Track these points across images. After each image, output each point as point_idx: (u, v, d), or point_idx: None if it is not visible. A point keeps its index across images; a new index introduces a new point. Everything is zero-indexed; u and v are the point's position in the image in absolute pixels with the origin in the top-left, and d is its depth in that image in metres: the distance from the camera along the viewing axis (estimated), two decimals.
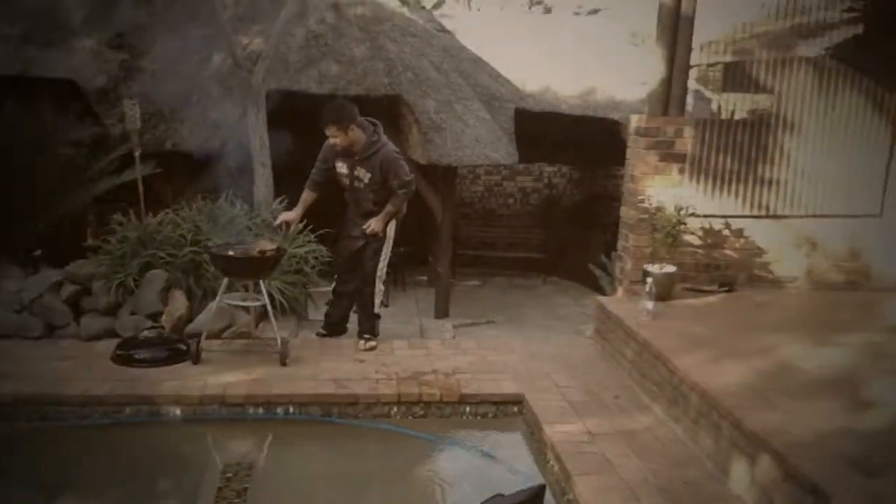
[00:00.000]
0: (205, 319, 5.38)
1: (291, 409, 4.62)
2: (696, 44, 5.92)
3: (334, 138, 5.19)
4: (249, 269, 5.03)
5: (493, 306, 9.88)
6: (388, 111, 8.02)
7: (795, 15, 6.05)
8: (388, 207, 5.36)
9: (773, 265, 6.10)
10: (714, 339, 4.87)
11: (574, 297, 10.47)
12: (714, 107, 7.99)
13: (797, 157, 5.94)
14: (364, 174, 5.31)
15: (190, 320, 5.52)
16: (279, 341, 5.04)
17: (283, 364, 5.03)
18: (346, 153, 5.29)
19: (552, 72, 9.85)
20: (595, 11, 17.50)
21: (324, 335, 5.73)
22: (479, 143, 7.76)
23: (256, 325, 5.70)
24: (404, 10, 8.57)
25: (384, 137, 5.35)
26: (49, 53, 7.23)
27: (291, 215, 5.42)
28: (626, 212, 6.16)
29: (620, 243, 6.29)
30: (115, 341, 5.22)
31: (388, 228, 5.43)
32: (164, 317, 5.50)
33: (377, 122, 5.38)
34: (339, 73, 7.50)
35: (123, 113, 6.30)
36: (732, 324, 5.22)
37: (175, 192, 7.34)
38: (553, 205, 13.00)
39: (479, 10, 21.28)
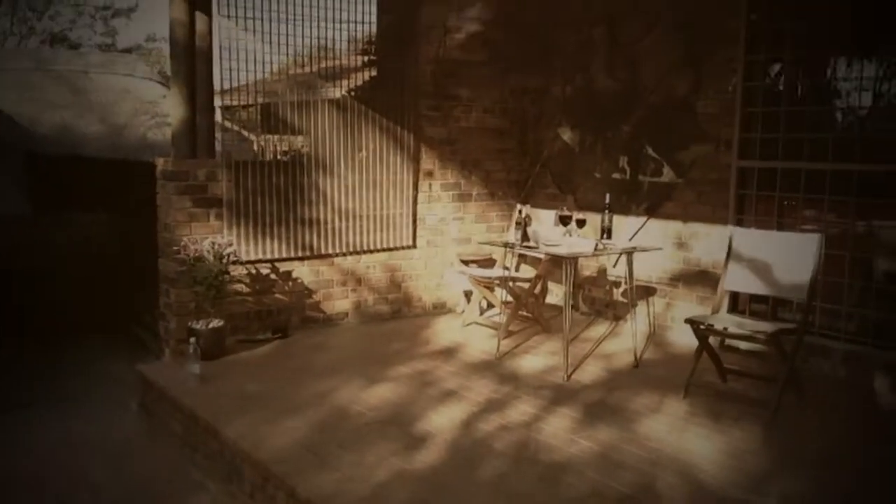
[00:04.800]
0: None
1: None
2: (226, 85, 5.60)
3: None
4: None
5: (32, 380, 8.24)
6: None
7: (322, 59, 6.15)
8: None
9: (323, 304, 6.06)
10: (268, 394, 4.55)
11: (134, 357, 9.33)
12: (256, 148, 7.84)
13: (334, 196, 5.99)
14: None
15: None
16: None
17: None
18: None
19: (73, 112, 8.68)
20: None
21: None
22: None
23: None
24: None
25: None
26: None
27: None
28: (164, 264, 5.55)
29: (162, 300, 5.65)
30: None
31: None
32: None
33: None
34: None
35: None
36: (287, 373, 4.97)
37: None
38: (93, 257, 11.56)
39: None
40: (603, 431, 4.00)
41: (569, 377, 4.85)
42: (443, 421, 4.11)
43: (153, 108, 9.34)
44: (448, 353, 5.47)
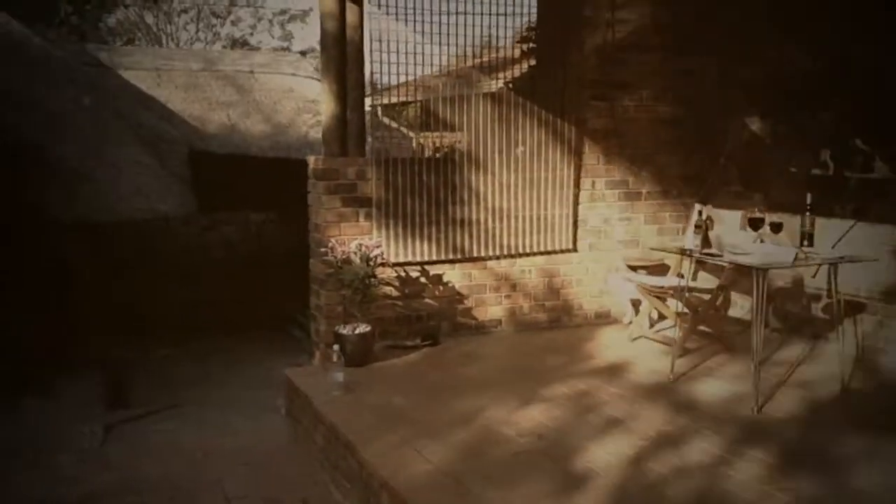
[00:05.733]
0: None
1: None
2: (388, 83, 5.36)
3: None
4: None
5: (189, 380, 8.49)
6: (13, 160, 6.47)
7: (480, 52, 5.77)
8: None
9: (475, 310, 5.66)
10: (412, 410, 4.19)
11: (290, 356, 9.44)
12: (415, 146, 7.63)
13: (488, 195, 5.56)
14: None
15: None
16: None
17: None
18: None
19: (238, 111, 8.88)
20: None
21: None
22: (141, 194, 6.54)
23: None
24: (36, 39, 7.08)
25: None
26: None
27: None
28: (314, 265, 5.38)
29: (313, 301, 5.48)
30: None
31: None
32: None
33: None
34: None
35: None
36: (434, 386, 4.60)
37: None
38: (262, 255, 11.92)
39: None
40: (805, 482, 3.28)
41: (759, 409, 4.10)
42: (606, 456, 3.55)
43: (315, 106, 9.38)
44: (613, 371, 4.87)
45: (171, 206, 6.83)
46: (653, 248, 5.78)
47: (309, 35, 23.44)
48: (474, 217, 5.55)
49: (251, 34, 22.86)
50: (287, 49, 22.12)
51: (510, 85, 5.99)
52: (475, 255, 5.59)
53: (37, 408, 6.90)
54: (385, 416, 4.11)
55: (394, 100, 5.65)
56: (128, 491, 4.01)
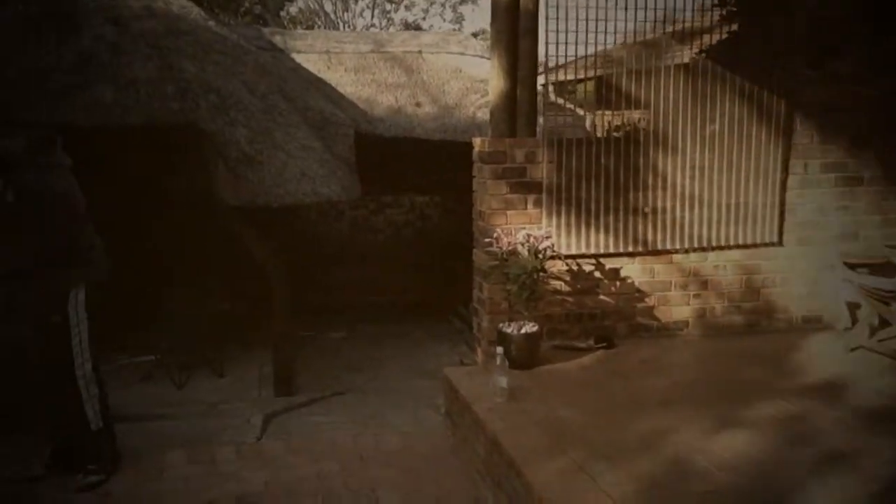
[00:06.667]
0: None
1: None
2: (560, 59, 4.82)
3: None
4: None
5: (354, 365, 8.47)
6: (186, 144, 6.55)
7: (670, 21, 5.08)
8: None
9: (657, 310, 5.01)
10: (586, 426, 3.66)
11: (453, 344, 9.20)
12: (588, 126, 7.02)
13: (676, 180, 4.88)
14: (9, 198, 3.69)
15: None
16: None
17: None
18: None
19: (406, 93, 8.65)
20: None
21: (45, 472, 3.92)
22: (307, 178, 6.40)
23: None
24: (211, 22, 7.15)
25: (52, 157, 3.75)
26: None
27: None
28: (477, 256, 4.97)
29: (475, 293, 5.08)
30: None
31: (72, 301, 3.75)
32: None
33: (56, 137, 3.85)
34: (115, 99, 6.00)
35: None
36: (609, 398, 4.05)
37: None
38: (428, 239, 11.77)
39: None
40: None
41: None
42: (829, 502, 2.85)
43: (483, 86, 8.98)
44: (828, 389, 4.08)
45: (335, 190, 6.66)
46: (889, 246, 4.82)
47: (480, 17, 23.26)
48: (659, 204, 4.89)
49: (423, 18, 23.05)
50: (459, 33, 22.08)
51: (703, 54, 5.24)
52: (659, 247, 4.93)
53: (207, 388, 7.08)
54: (554, 431, 3.62)
55: (569, 76, 5.11)
56: (281, 492, 3.80)
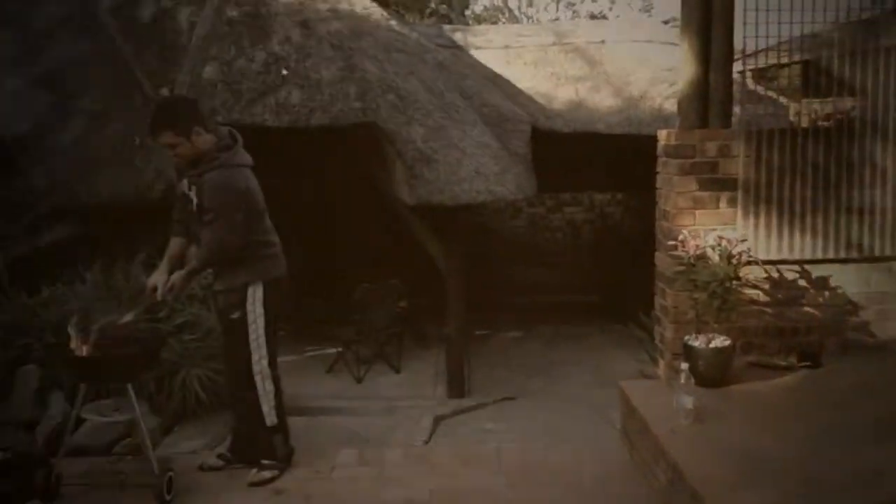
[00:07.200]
0: (88, 431, 4.07)
1: None
2: (760, 43, 4.34)
3: (172, 150, 3.71)
4: (103, 370, 3.68)
5: (529, 367, 8.25)
6: (366, 143, 6.63)
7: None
8: (193, 263, 3.78)
9: (874, 325, 4.35)
10: (785, 460, 3.20)
11: (632, 352, 8.71)
12: (792, 116, 6.34)
13: None
14: (194, 197, 3.76)
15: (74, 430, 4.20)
16: (155, 467, 3.64)
17: (163, 502, 3.62)
18: (192, 168, 3.78)
19: (588, 85, 8.29)
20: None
21: (223, 463, 4.05)
22: (481, 176, 6.25)
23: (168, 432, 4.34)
24: (392, 22, 7.21)
25: (235, 156, 3.80)
26: None
27: (158, 277, 3.75)
28: (660, 259, 4.57)
29: (658, 301, 4.69)
30: None
31: (250, 298, 3.80)
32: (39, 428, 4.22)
33: (238, 134, 3.90)
34: (302, 100, 6.17)
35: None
36: (816, 426, 3.51)
37: (128, 252, 6.15)
38: (608, 238, 11.31)
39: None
40: None
41: None
42: None
43: (672, 75, 8.41)
44: None
45: (509, 188, 6.47)
46: None
47: (670, 5, 22.15)
48: (879, 204, 4.24)
49: (610, 8, 22.32)
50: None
51: None
52: (877, 253, 4.29)
53: (383, 383, 7.17)
54: (747, 462, 3.19)
55: (770, 61, 4.58)
56: (446, 503, 3.67)
